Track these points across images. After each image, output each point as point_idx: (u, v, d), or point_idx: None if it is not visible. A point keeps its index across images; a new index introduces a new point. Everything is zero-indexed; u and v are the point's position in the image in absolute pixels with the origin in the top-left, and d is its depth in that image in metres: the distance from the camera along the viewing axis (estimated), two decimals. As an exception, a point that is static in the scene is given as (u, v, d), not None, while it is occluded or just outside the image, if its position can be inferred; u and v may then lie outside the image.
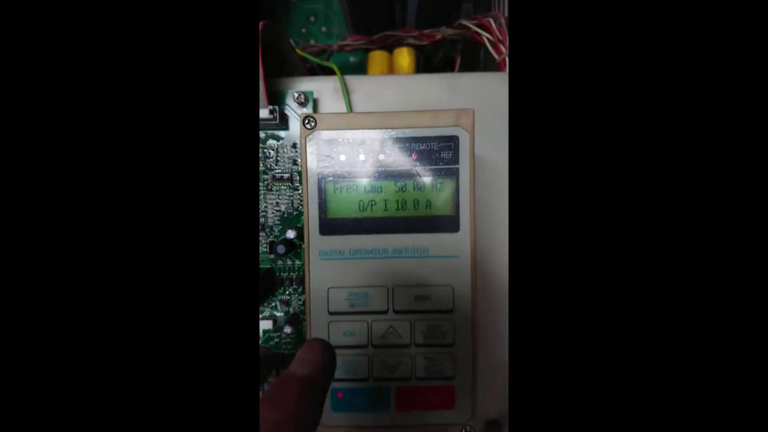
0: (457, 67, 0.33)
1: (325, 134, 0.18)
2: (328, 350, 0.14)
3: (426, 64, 0.35)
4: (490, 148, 0.22)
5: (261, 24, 0.21)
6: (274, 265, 0.23)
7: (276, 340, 0.23)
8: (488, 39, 0.28)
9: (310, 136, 0.18)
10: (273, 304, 0.23)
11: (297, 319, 0.23)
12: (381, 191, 0.18)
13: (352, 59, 0.37)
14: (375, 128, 0.18)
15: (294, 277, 0.23)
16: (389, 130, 0.18)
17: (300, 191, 0.23)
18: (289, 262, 0.23)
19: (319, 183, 0.18)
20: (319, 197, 0.18)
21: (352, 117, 0.18)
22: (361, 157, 0.18)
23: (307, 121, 0.18)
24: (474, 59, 0.37)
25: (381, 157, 0.18)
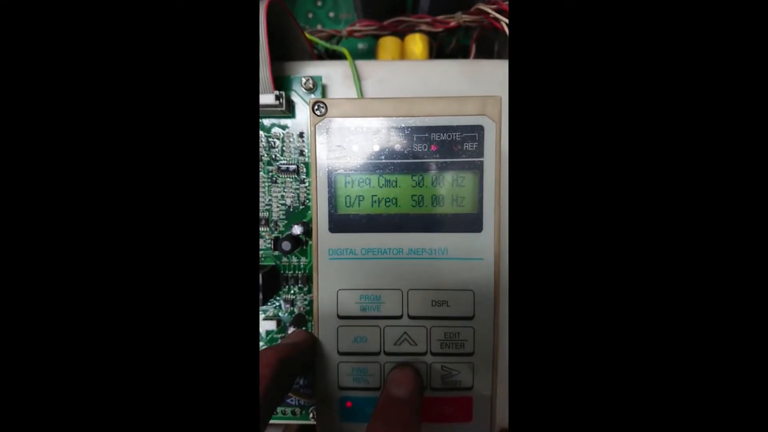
0: (472, 55, 0.32)
1: (337, 122, 0.16)
2: (418, 375, 0.17)
3: (439, 51, 0.34)
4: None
5: (267, 2, 0.19)
6: (278, 262, 0.22)
7: (279, 341, 0.22)
8: (507, 25, 0.26)
9: (320, 124, 0.16)
10: (277, 304, 0.22)
11: (302, 320, 0.22)
12: (396, 185, 0.17)
13: (361, 46, 0.35)
14: (392, 115, 0.16)
15: (300, 275, 0.22)
16: (407, 117, 0.16)
17: (307, 184, 0.21)
18: (294, 260, 0.22)
19: (329, 175, 0.16)
20: (329, 191, 0.17)
21: (366, 103, 0.16)
22: (376, 147, 0.16)
23: (317, 107, 0.16)
24: (488, 48, 0.35)
25: (397, 147, 0.16)
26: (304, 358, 0.17)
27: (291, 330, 0.21)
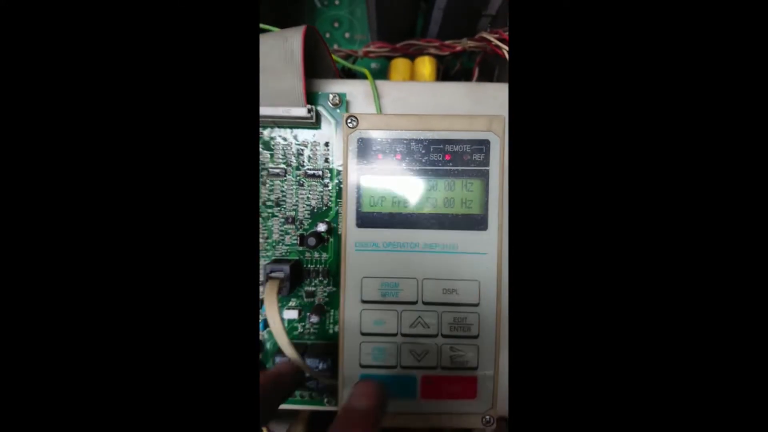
0: (474, 77, 0.35)
1: (366, 133, 0.19)
2: (381, 388, 0.17)
3: (445, 73, 0.37)
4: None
5: (303, 28, 0.22)
6: (302, 256, 0.24)
7: (300, 329, 0.24)
8: (508, 53, 0.30)
9: (352, 135, 0.19)
10: (300, 295, 0.24)
11: (322, 310, 0.24)
12: (415, 189, 0.19)
13: (374, 65, 0.38)
14: (412, 129, 0.19)
15: (320, 269, 0.24)
16: (425, 131, 0.19)
17: (330, 187, 0.24)
18: (316, 255, 0.24)
19: (357, 178, 0.19)
20: (357, 191, 0.19)
21: (391, 118, 0.19)
22: (398, 156, 0.19)
23: (349, 120, 0.19)
24: (489, 71, 0.39)
25: (416, 156, 0.19)
26: (283, 389, 0.17)
27: (313, 319, 0.23)
